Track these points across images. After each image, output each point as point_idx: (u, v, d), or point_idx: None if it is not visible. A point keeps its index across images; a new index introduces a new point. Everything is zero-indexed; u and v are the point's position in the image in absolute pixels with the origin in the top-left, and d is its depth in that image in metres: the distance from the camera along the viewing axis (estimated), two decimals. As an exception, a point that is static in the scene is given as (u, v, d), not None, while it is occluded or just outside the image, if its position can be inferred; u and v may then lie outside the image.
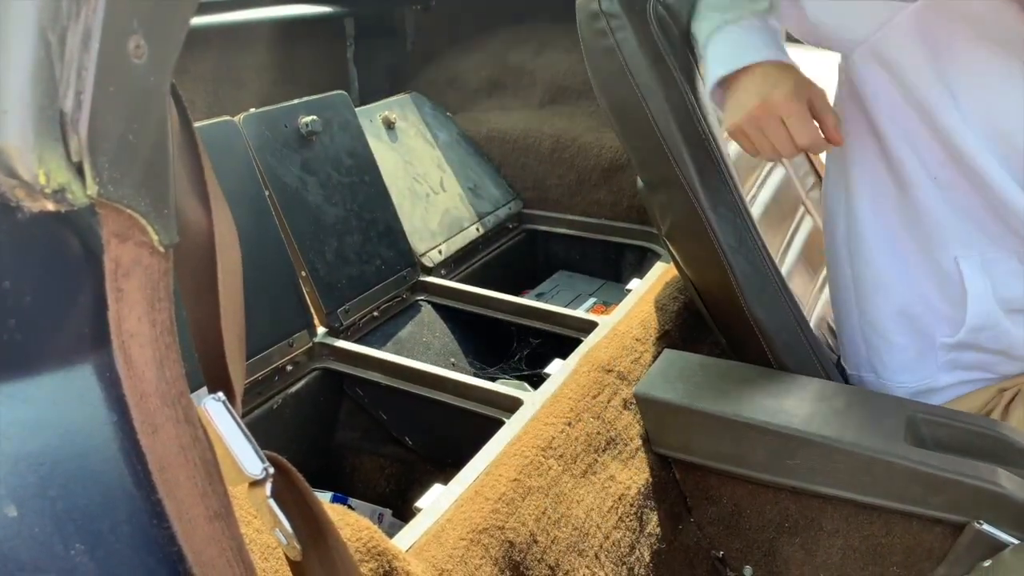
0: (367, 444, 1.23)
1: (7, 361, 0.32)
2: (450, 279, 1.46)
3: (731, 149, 1.10)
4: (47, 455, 0.32)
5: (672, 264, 1.27)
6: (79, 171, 0.29)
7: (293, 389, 1.13)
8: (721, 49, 0.95)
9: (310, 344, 1.16)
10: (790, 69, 0.92)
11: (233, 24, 1.61)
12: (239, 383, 0.41)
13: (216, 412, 0.37)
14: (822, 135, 0.91)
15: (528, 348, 1.37)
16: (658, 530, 1.00)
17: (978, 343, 0.99)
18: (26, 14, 0.28)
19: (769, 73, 0.91)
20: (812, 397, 1.00)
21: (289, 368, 1.13)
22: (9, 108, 0.28)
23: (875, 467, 0.91)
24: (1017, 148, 0.88)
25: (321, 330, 1.20)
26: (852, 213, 1.03)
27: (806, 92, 0.90)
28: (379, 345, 1.23)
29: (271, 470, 0.38)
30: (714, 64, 0.95)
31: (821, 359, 1.07)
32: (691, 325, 1.24)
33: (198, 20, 1.63)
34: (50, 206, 0.30)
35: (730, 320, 1.11)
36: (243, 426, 0.38)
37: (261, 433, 1.07)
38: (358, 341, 1.21)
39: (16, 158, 0.28)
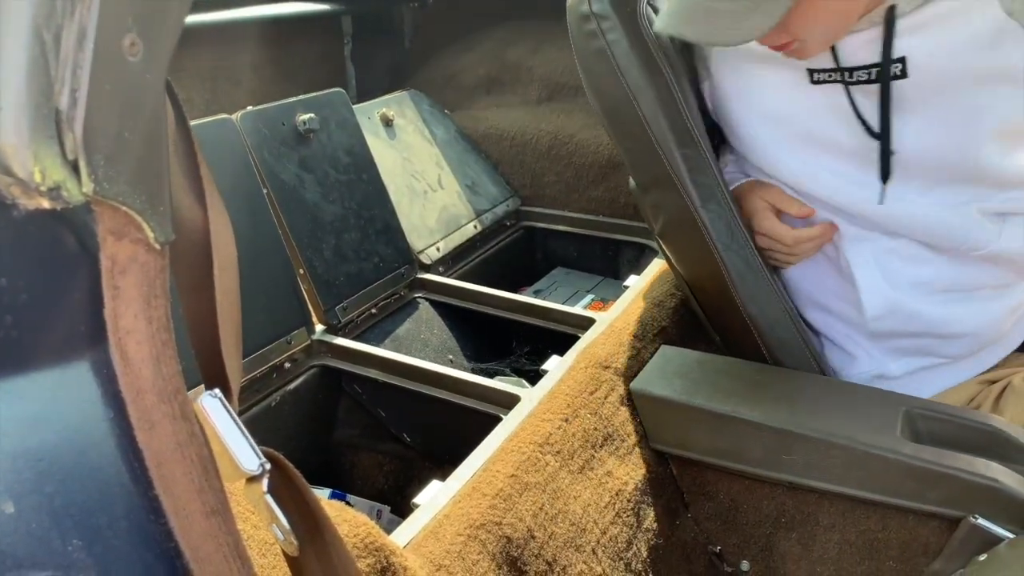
0: (365, 441, 1.23)
1: (4, 358, 0.32)
2: (448, 276, 1.46)
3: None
4: (44, 451, 0.32)
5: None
6: (75, 169, 0.30)
7: (291, 386, 1.14)
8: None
9: (308, 341, 1.16)
10: (752, 188, 1.05)
11: (230, 21, 1.61)
12: (236, 379, 0.41)
13: (213, 408, 0.38)
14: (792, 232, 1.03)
15: (526, 345, 1.37)
16: (655, 525, 1.00)
17: (893, 329, 1.03)
18: (21, 12, 0.28)
19: (745, 200, 1.06)
20: (808, 392, 1.00)
21: (287, 365, 1.14)
22: (4, 106, 0.28)
23: (871, 462, 0.91)
24: (835, 163, 0.97)
25: (319, 327, 1.20)
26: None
27: (767, 207, 1.03)
28: (377, 342, 1.23)
29: (268, 466, 0.38)
30: None
31: (815, 355, 1.07)
32: (688, 321, 1.25)
33: (195, 18, 1.63)
34: (46, 204, 0.30)
35: (725, 317, 1.12)
36: (239, 422, 0.38)
37: (259, 430, 1.07)
38: (356, 338, 1.21)
39: (11, 156, 0.28)
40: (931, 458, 0.88)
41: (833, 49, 0.90)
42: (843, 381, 1.08)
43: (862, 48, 0.88)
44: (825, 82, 0.93)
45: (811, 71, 0.93)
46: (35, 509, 0.32)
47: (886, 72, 0.87)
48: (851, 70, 0.90)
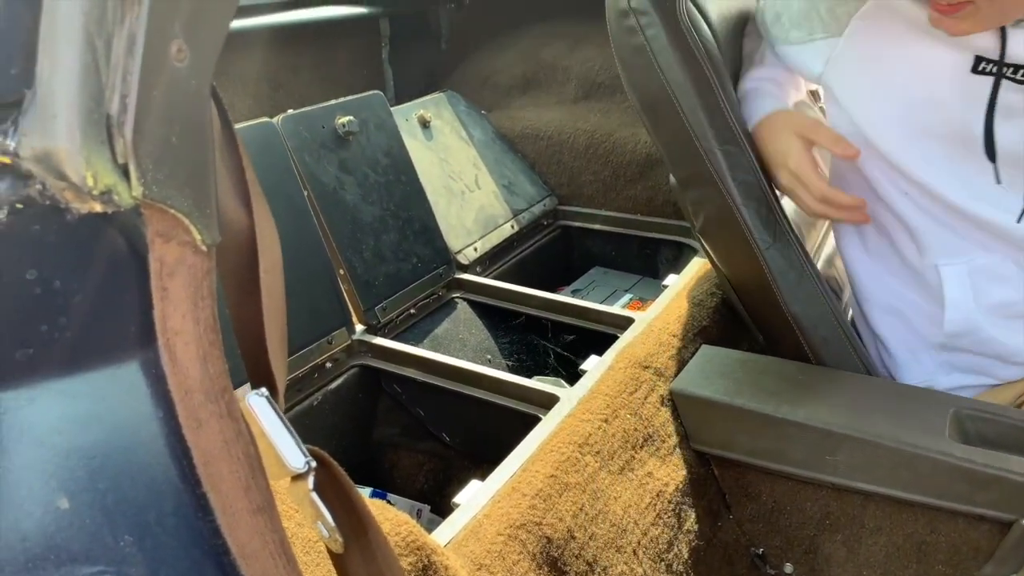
0: (405, 440, 1.24)
1: (58, 358, 0.33)
2: (485, 276, 1.46)
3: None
4: (96, 449, 0.33)
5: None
6: (125, 173, 0.30)
7: (332, 386, 1.15)
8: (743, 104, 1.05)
9: (349, 341, 1.17)
10: (789, 120, 0.99)
11: (271, 26, 1.64)
12: (282, 379, 0.42)
13: (259, 407, 0.38)
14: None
15: (564, 345, 1.37)
16: (697, 527, 1.00)
17: (963, 347, 1.00)
18: (73, 21, 0.29)
19: (774, 134, 0.99)
20: (852, 392, 0.99)
21: (328, 365, 1.15)
22: (58, 112, 0.29)
23: (919, 464, 0.89)
24: (966, 161, 0.91)
25: (359, 327, 1.21)
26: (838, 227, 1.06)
27: (806, 141, 0.97)
28: (416, 342, 1.24)
29: (313, 464, 0.38)
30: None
31: (860, 354, 1.05)
32: (729, 321, 1.23)
33: (237, 23, 1.66)
34: (97, 207, 0.31)
35: (766, 316, 1.10)
36: (286, 421, 0.39)
37: (301, 429, 1.09)
38: (395, 338, 1.22)
39: (65, 160, 0.29)
40: (981, 460, 0.86)
41: (1003, 39, 0.83)
42: (888, 381, 1.06)
43: None
44: (986, 74, 0.87)
45: (979, 58, 0.86)
46: (88, 505, 0.32)
47: None
48: (1016, 67, 0.84)
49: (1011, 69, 0.85)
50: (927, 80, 0.90)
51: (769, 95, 1.03)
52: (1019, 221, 0.91)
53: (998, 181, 0.90)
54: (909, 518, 0.95)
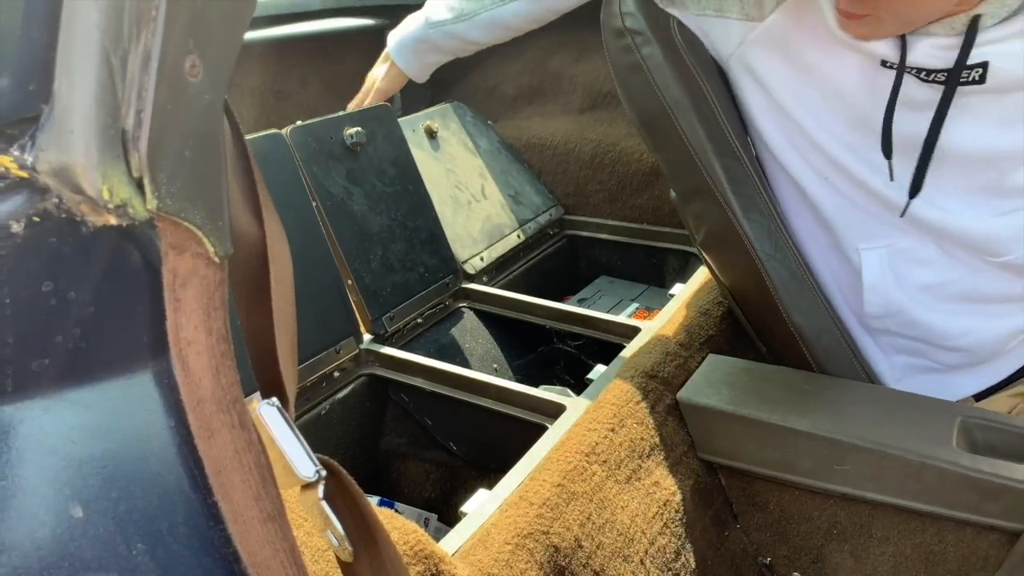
0: (412, 449, 1.24)
1: (72, 368, 0.33)
2: (492, 286, 1.47)
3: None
4: (109, 458, 0.33)
5: (713, 270, 1.26)
6: (139, 186, 0.31)
7: (340, 395, 1.15)
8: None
9: (356, 351, 1.18)
10: (389, 67, 1.34)
11: (279, 38, 1.65)
12: (292, 389, 0.42)
13: (270, 417, 0.38)
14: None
15: (571, 354, 1.37)
16: (704, 536, 0.99)
17: (890, 329, 1.04)
18: (90, 38, 0.29)
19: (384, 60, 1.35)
20: (859, 401, 0.99)
21: (336, 375, 1.15)
22: (75, 127, 0.29)
23: (926, 473, 0.89)
24: (872, 141, 0.93)
25: (367, 337, 1.21)
26: (779, 210, 1.07)
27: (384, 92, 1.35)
28: (423, 352, 1.24)
29: (324, 473, 0.39)
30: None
31: (863, 363, 1.05)
32: (735, 330, 1.23)
33: (247, 36, 1.67)
34: (113, 220, 0.31)
35: (770, 327, 1.10)
36: (296, 430, 0.39)
37: (309, 438, 1.09)
38: (403, 348, 1.23)
39: (81, 175, 0.29)
40: (990, 469, 0.86)
41: (903, 47, 0.87)
42: (895, 390, 1.05)
43: (935, 54, 0.85)
44: (890, 68, 0.90)
45: (883, 61, 0.90)
46: (101, 514, 0.33)
47: (955, 77, 0.85)
48: (918, 69, 0.88)
49: (913, 70, 0.88)
50: (841, 72, 0.93)
51: (413, 42, 1.29)
52: (903, 215, 0.95)
53: (891, 178, 0.93)
54: (917, 528, 0.94)
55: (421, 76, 1.35)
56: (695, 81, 0.98)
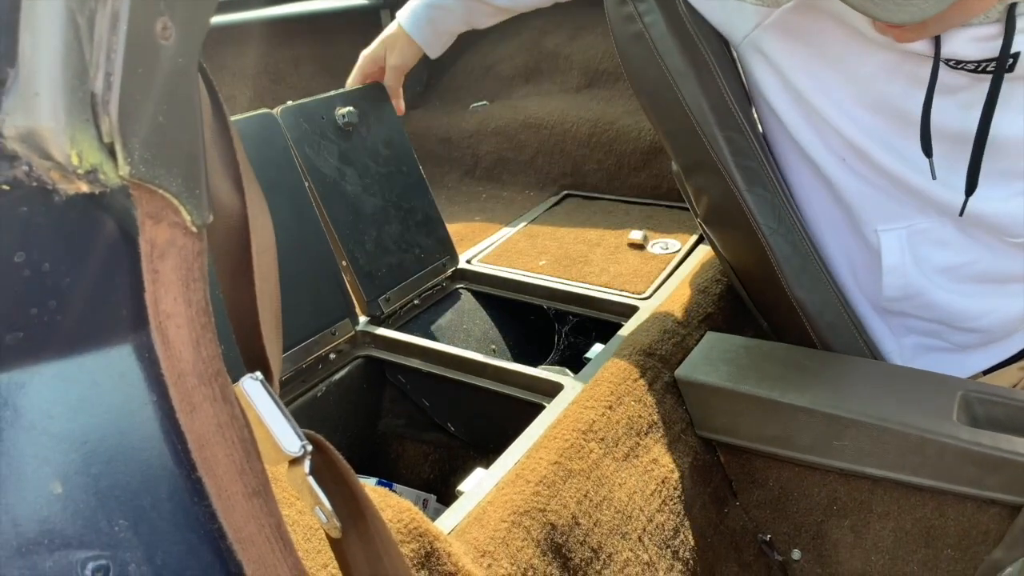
0: (410, 431, 1.24)
1: (49, 342, 0.32)
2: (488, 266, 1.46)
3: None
4: (90, 434, 0.33)
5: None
6: (111, 152, 0.30)
7: (336, 377, 1.15)
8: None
9: (352, 332, 1.17)
10: (399, 40, 1.22)
11: (271, 19, 1.63)
12: (277, 363, 0.41)
13: (254, 391, 0.38)
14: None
15: (568, 333, 1.36)
16: (703, 513, 0.99)
17: (907, 311, 1.02)
18: (55, -2, 0.28)
19: (392, 33, 1.23)
20: (859, 377, 0.98)
21: (332, 356, 1.15)
22: (41, 90, 0.28)
23: (926, 447, 0.89)
24: (895, 127, 0.92)
25: (363, 319, 1.21)
26: (789, 191, 1.06)
27: (400, 68, 1.24)
28: (420, 333, 1.24)
29: (309, 447, 0.38)
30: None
31: (866, 339, 1.04)
32: (734, 308, 1.23)
33: (236, 16, 1.65)
34: (84, 187, 0.30)
35: (771, 303, 1.09)
36: (281, 404, 0.38)
37: (306, 421, 1.09)
38: (399, 329, 1.22)
39: (49, 139, 0.29)
40: (990, 443, 0.85)
41: (937, 39, 0.85)
42: (896, 365, 1.05)
43: (970, 45, 0.83)
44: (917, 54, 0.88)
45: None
46: (82, 490, 0.32)
47: (1002, 67, 0.82)
48: (946, 59, 0.85)
49: (951, 62, 0.86)
50: (863, 59, 0.91)
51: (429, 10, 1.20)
52: (961, 214, 0.92)
53: (933, 177, 0.90)
54: (917, 502, 0.94)
55: (437, 49, 1.24)
56: (699, 52, 0.97)
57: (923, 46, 0.85)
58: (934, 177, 0.90)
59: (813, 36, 0.92)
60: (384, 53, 1.24)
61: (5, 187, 0.30)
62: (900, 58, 0.88)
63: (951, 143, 0.90)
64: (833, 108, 0.94)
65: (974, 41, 0.82)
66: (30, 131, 0.29)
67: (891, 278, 0.99)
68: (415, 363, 1.16)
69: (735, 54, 1.03)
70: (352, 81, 1.27)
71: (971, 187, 0.90)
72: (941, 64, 0.85)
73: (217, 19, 1.59)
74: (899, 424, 0.90)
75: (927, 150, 0.89)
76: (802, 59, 0.94)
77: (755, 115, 1.05)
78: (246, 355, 0.40)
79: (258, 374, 0.38)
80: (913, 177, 0.93)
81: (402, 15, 1.22)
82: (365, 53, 1.26)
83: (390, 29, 1.24)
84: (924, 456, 0.89)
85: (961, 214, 0.92)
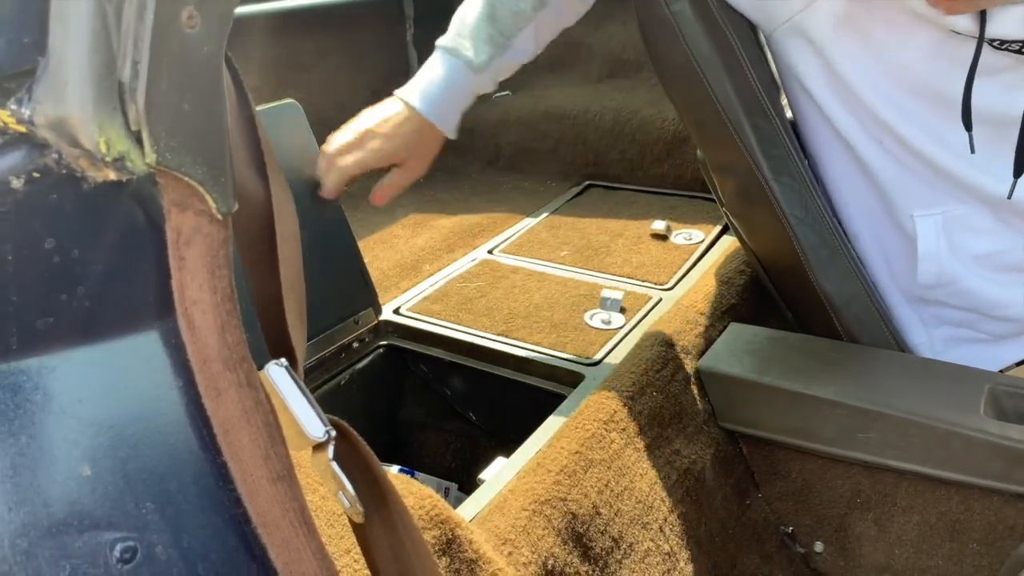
0: (432, 420, 1.24)
1: (78, 327, 0.33)
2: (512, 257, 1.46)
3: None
4: (117, 418, 0.33)
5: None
6: (138, 140, 0.30)
7: (359, 366, 1.15)
8: (422, 72, 1.05)
9: (375, 321, 1.18)
10: (409, 123, 1.01)
11: (295, 9, 1.64)
12: (301, 349, 0.42)
13: (278, 377, 0.38)
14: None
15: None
16: (724, 505, 0.99)
17: (941, 299, 1.01)
18: (83, -13, 0.29)
19: (393, 115, 1.01)
20: (885, 369, 0.97)
21: (355, 345, 1.15)
22: (70, 79, 0.29)
23: (953, 441, 0.88)
24: (942, 117, 0.90)
25: (386, 307, 1.21)
26: (819, 179, 1.04)
27: (392, 154, 1.01)
28: (442, 321, 1.24)
29: (333, 433, 0.38)
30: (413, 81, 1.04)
31: (894, 331, 1.03)
32: (758, 299, 1.22)
33: (260, 7, 1.66)
34: (112, 175, 0.31)
35: (797, 293, 1.08)
36: (306, 390, 0.39)
37: (328, 409, 1.09)
38: (421, 318, 1.22)
39: (78, 127, 0.29)
40: (1018, 436, 0.84)
41: (982, 18, 0.83)
42: (922, 357, 1.04)
43: (1017, 23, 0.81)
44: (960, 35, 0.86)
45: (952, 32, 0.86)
46: (110, 473, 0.33)
47: None
48: (991, 39, 0.84)
49: (997, 42, 0.84)
50: (906, 40, 0.89)
51: (439, 86, 1.02)
52: (1010, 196, 0.90)
53: (972, 150, 0.89)
54: (943, 496, 0.93)
55: (456, 132, 1.06)
56: (726, 38, 0.96)
57: (968, 25, 0.83)
58: (972, 151, 0.89)
59: (858, 17, 0.91)
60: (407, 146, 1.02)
61: (36, 175, 0.30)
62: (943, 38, 0.87)
63: (993, 126, 0.88)
64: (873, 91, 0.93)
65: (1021, 21, 0.81)
66: (60, 119, 0.29)
67: (926, 265, 0.98)
68: (437, 352, 1.16)
69: (764, 40, 1.01)
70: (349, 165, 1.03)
71: (1020, 169, 0.88)
72: (985, 44, 0.84)
73: (241, 10, 1.60)
74: (925, 417, 0.89)
75: (967, 123, 0.87)
76: (845, 41, 0.92)
77: (783, 103, 1.04)
78: (271, 341, 0.40)
79: (283, 360, 0.39)
80: (952, 161, 0.92)
81: (416, 98, 1.02)
82: (366, 123, 1.02)
83: (398, 113, 1.02)
84: (950, 449, 0.88)
85: (1010, 196, 0.90)
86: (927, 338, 1.06)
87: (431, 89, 1.02)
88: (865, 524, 0.99)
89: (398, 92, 1.03)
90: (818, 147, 1.03)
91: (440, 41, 1.03)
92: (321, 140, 1.07)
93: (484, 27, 1.00)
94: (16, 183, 0.30)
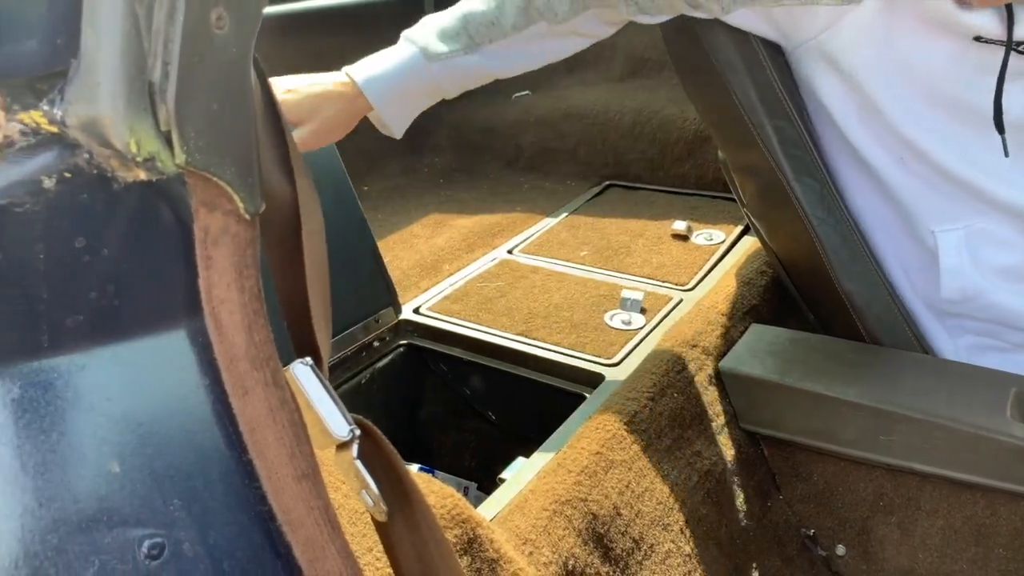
0: (452, 419, 1.25)
1: (107, 326, 0.33)
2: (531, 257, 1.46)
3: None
4: (145, 415, 0.34)
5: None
6: (168, 140, 0.31)
7: (380, 365, 1.16)
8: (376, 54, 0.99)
9: (395, 321, 1.18)
10: (344, 101, 0.94)
11: (318, 8, 1.65)
12: (326, 349, 0.42)
13: (304, 376, 0.38)
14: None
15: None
16: (746, 507, 0.98)
17: (965, 313, 0.99)
18: (115, -12, 0.29)
19: (336, 87, 0.94)
20: (908, 371, 0.96)
21: (375, 344, 1.16)
22: (102, 80, 0.29)
23: (979, 444, 0.86)
24: (965, 128, 0.89)
25: (405, 307, 1.22)
26: (834, 177, 1.02)
27: (295, 105, 0.92)
28: (462, 320, 1.24)
29: (357, 432, 0.38)
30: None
31: (916, 333, 1.02)
32: (780, 300, 1.21)
33: (284, 7, 1.67)
34: (142, 175, 0.31)
35: (818, 294, 1.08)
36: (331, 389, 0.39)
37: (349, 408, 1.10)
38: (441, 317, 1.23)
39: (109, 128, 0.29)
40: (1046, 440, 0.83)
41: (1009, 20, 0.82)
42: (947, 360, 1.02)
43: None
44: (990, 42, 0.85)
45: (977, 38, 0.85)
46: (138, 470, 0.33)
47: None
48: (1016, 42, 0.83)
49: (1020, 45, 0.83)
50: (929, 52, 0.88)
51: (386, 68, 0.96)
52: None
53: (1006, 154, 0.87)
54: (968, 500, 0.92)
55: (401, 129, 1.00)
56: (747, 39, 0.95)
57: (995, 29, 0.82)
58: (1007, 154, 0.87)
59: (880, 30, 0.89)
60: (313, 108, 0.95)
61: (67, 174, 0.31)
62: (967, 47, 0.85)
63: (1018, 134, 0.87)
64: (896, 105, 0.92)
65: None
66: (91, 120, 0.29)
67: (949, 280, 0.97)
68: (457, 352, 1.17)
69: (789, 60, 0.99)
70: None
71: None
72: (1017, 51, 0.83)
73: (265, 9, 1.61)
74: (950, 420, 0.88)
75: (999, 126, 0.86)
76: (868, 56, 0.91)
77: (806, 105, 1.03)
78: (296, 340, 0.41)
79: (308, 359, 0.39)
80: (975, 174, 0.91)
81: (362, 75, 0.96)
82: (295, 89, 0.96)
83: (333, 79, 0.96)
84: (976, 453, 0.87)
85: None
86: (952, 346, 1.04)
87: (374, 64, 0.97)
88: (888, 527, 0.98)
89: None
90: (835, 163, 1.02)
91: (404, 33, 1.00)
92: (341, 144, 1.07)
93: (454, 25, 0.99)
94: (48, 183, 0.30)
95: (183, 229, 0.34)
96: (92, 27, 0.29)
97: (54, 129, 0.30)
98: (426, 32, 0.98)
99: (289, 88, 0.94)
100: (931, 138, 0.91)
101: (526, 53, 1.00)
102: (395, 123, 0.98)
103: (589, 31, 1.01)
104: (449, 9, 1.00)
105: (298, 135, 0.91)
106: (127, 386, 0.34)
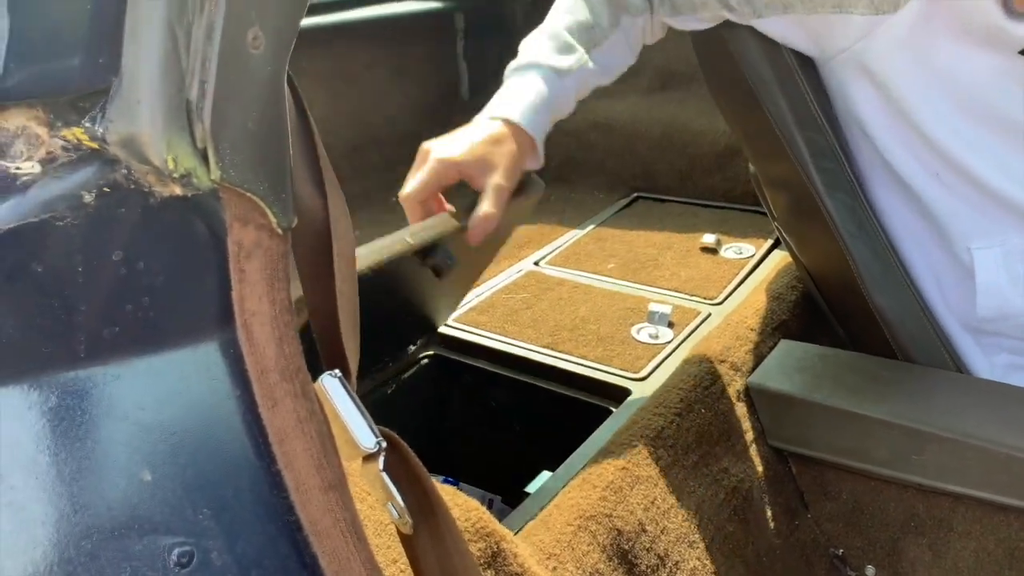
0: (477, 431, 1.25)
1: (142, 337, 0.34)
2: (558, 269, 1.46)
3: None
4: (177, 425, 0.34)
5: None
6: (204, 157, 0.31)
7: (405, 376, 1.16)
8: (502, 91, 0.95)
9: (422, 332, 1.19)
10: (510, 140, 0.88)
11: (346, 22, 1.67)
12: (354, 361, 0.42)
13: (332, 388, 0.39)
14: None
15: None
16: (773, 525, 0.97)
17: (1001, 331, 0.97)
18: (155, 10, 0.30)
19: (493, 132, 0.88)
20: (941, 390, 0.94)
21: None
22: (142, 98, 0.30)
23: (1014, 465, 0.85)
24: (1005, 142, 0.87)
25: (432, 318, 1.22)
26: (866, 191, 1.00)
27: (490, 169, 0.85)
28: (489, 332, 1.25)
29: (384, 444, 0.39)
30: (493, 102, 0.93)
31: (950, 350, 1.00)
32: (809, 315, 1.20)
33: (312, 20, 1.69)
34: (178, 190, 0.32)
35: (850, 310, 1.06)
36: (358, 401, 0.39)
37: (375, 419, 1.10)
38: (468, 328, 1.23)
39: (148, 144, 0.30)
40: (1083, 463, 0.81)
41: None
42: (982, 379, 1.01)
43: None
44: None
45: (1022, 50, 0.83)
46: (169, 479, 0.34)
47: None
48: None
49: None
50: (970, 65, 0.86)
51: (528, 96, 0.92)
52: None
53: None
54: (1002, 522, 0.90)
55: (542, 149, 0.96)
56: (778, 50, 0.95)
57: None
58: None
59: (919, 43, 0.87)
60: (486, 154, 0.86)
61: (106, 189, 0.31)
62: (1010, 62, 0.84)
63: None
64: (934, 119, 0.90)
65: None
66: (131, 137, 0.30)
67: (985, 298, 0.95)
68: (482, 363, 1.17)
69: (821, 71, 0.98)
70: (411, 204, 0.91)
71: None
72: None
73: (297, 24, 1.63)
74: (984, 440, 0.86)
75: None
76: (906, 69, 0.89)
77: (838, 118, 1.02)
78: (325, 353, 0.41)
79: (337, 372, 0.39)
80: (1014, 190, 0.89)
81: (509, 110, 0.91)
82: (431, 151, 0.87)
83: (483, 130, 0.89)
84: (1011, 474, 0.85)
85: None
86: (987, 364, 1.02)
87: (514, 99, 0.92)
88: (919, 549, 0.96)
89: (481, 115, 0.92)
90: (868, 177, 1.01)
91: (512, 66, 0.98)
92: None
93: (560, 40, 0.99)
94: (88, 197, 0.31)
95: (217, 243, 0.34)
96: (133, 46, 0.30)
97: (95, 145, 0.31)
98: (541, 53, 0.97)
99: (454, 150, 0.87)
100: (969, 152, 0.90)
101: (628, 47, 1.04)
102: (541, 143, 0.94)
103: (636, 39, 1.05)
104: (537, 32, 1.01)
105: (493, 183, 0.84)
106: (160, 396, 0.34)
